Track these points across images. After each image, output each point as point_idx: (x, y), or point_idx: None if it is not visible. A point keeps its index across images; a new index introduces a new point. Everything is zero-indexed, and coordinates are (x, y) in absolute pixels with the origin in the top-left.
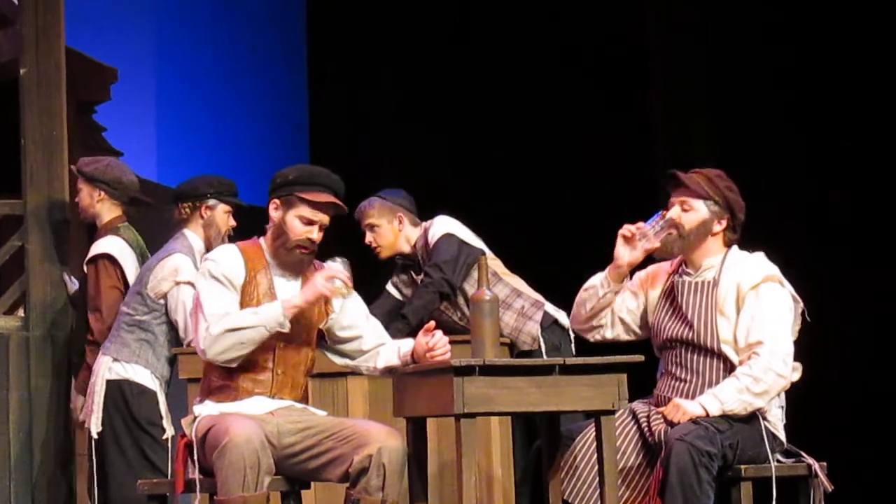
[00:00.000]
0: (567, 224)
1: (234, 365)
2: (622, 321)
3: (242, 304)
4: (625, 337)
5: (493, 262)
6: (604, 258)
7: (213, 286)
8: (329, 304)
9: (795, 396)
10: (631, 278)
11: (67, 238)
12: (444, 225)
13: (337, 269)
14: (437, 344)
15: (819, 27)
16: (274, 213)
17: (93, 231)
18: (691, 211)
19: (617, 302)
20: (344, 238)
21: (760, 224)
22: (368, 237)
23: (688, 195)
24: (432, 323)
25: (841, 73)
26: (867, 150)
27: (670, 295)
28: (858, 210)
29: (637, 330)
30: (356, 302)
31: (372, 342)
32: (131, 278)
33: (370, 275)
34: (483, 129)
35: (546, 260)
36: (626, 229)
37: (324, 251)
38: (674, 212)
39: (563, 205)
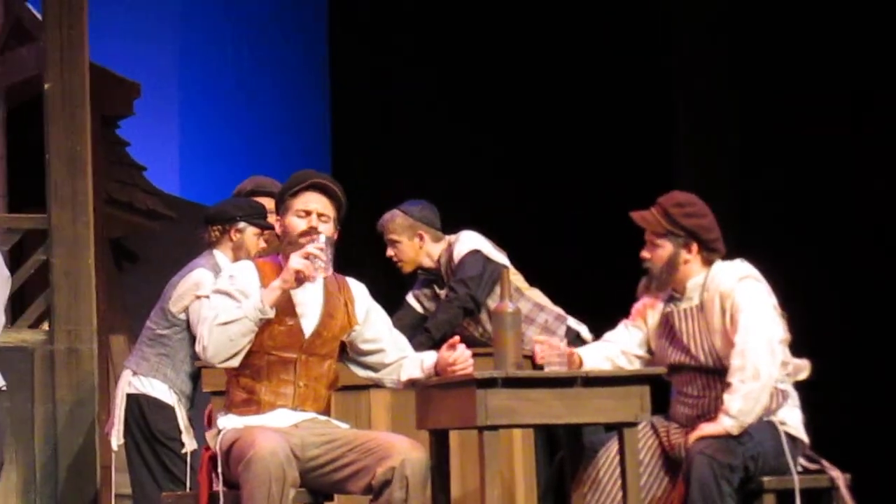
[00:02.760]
0: (587, 238)
1: (235, 365)
2: (638, 357)
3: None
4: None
5: (515, 277)
6: (622, 272)
7: (219, 299)
8: (352, 317)
9: (819, 401)
10: (629, 314)
11: (91, 252)
12: (469, 241)
13: (314, 247)
14: (458, 359)
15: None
16: (279, 229)
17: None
18: (657, 248)
19: (627, 343)
20: (372, 248)
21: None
22: (390, 251)
23: (651, 235)
24: (456, 338)
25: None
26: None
27: (667, 324)
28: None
29: (648, 355)
30: (379, 315)
31: (394, 355)
32: None
33: (396, 286)
34: (505, 140)
35: (566, 272)
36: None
37: (351, 258)
38: (644, 252)
39: (584, 218)
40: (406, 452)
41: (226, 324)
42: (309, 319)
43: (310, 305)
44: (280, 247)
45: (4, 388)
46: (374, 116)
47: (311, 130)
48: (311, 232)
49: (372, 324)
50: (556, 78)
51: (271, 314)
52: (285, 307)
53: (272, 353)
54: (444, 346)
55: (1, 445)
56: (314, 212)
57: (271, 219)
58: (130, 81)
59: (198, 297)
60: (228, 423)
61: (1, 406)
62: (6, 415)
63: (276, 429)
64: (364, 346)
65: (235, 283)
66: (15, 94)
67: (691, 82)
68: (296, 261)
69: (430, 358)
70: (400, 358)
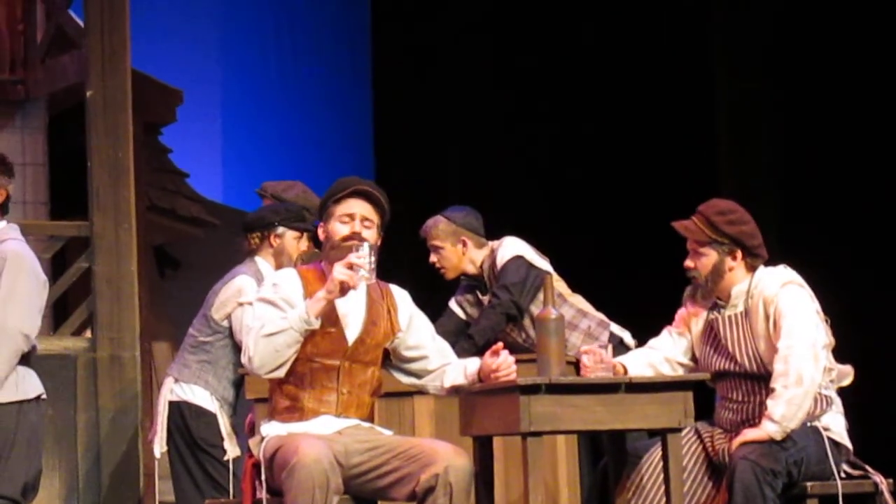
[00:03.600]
0: (629, 244)
1: (281, 375)
2: (681, 364)
3: None
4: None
5: (558, 284)
6: (663, 278)
7: (263, 308)
8: (395, 324)
9: (862, 407)
10: (673, 321)
11: (134, 259)
12: (512, 247)
13: (357, 256)
14: (502, 365)
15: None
16: (321, 235)
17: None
18: (702, 257)
19: (671, 351)
20: (414, 254)
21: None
22: (433, 257)
23: (694, 244)
24: (500, 344)
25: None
26: None
27: (711, 331)
28: None
29: (692, 363)
30: (422, 321)
31: (437, 362)
32: None
33: (440, 293)
34: (550, 148)
35: (608, 279)
36: None
37: (394, 265)
38: (688, 261)
39: (626, 225)
40: (450, 459)
41: (271, 335)
42: (352, 327)
43: (353, 313)
44: (321, 253)
45: (44, 397)
46: (419, 123)
47: (355, 136)
48: (355, 237)
49: (415, 330)
50: (600, 85)
51: (316, 325)
52: (328, 315)
53: (315, 360)
54: (488, 353)
55: (38, 453)
56: (357, 217)
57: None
58: (173, 88)
59: (240, 304)
60: (272, 430)
61: (40, 413)
62: (45, 422)
63: (320, 436)
64: (407, 353)
65: (279, 291)
66: (57, 102)
67: (733, 88)
68: (339, 271)
69: (473, 364)
70: (443, 364)
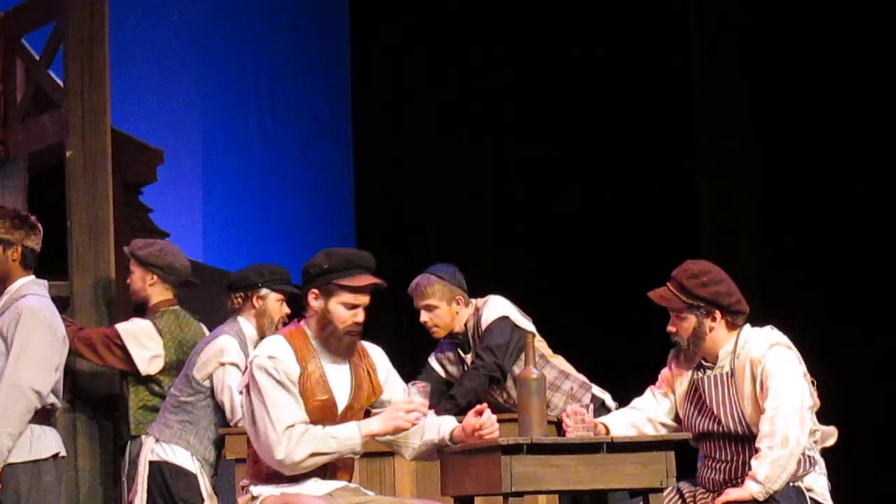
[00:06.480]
0: (610, 306)
1: None
2: (664, 425)
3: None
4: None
5: (540, 344)
6: (645, 337)
7: (277, 392)
8: (377, 385)
9: (842, 463)
10: (656, 381)
11: (113, 320)
12: (498, 307)
13: (417, 400)
14: (485, 424)
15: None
16: (314, 303)
17: (141, 312)
18: (682, 321)
19: (654, 411)
20: (394, 314)
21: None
22: (424, 317)
23: (673, 310)
24: (484, 405)
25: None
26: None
27: (695, 392)
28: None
29: (675, 423)
30: (396, 378)
31: None
32: (138, 362)
33: (413, 349)
34: (529, 206)
35: (587, 341)
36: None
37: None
38: (670, 326)
39: (605, 286)
40: None
41: (319, 454)
42: (341, 393)
43: (339, 378)
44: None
45: (62, 454)
46: (399, 186)
47: (334, 197)
48: (357, 329)
49: (391, 387)
50: (579, 141)
51: (360, 452)
52: (319, 381)
53: None
54: (471, 412)
55: None
56: (362, 305)
57: None
58: (153, 148)
59: (222, 364)
60: (265, 490)
61: (57, 473)
62: (62, 481)
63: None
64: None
65: (279, 366)
66: (37, 162)
67: (714, 140)
68: (403, 418)
69: (447, 424)
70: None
